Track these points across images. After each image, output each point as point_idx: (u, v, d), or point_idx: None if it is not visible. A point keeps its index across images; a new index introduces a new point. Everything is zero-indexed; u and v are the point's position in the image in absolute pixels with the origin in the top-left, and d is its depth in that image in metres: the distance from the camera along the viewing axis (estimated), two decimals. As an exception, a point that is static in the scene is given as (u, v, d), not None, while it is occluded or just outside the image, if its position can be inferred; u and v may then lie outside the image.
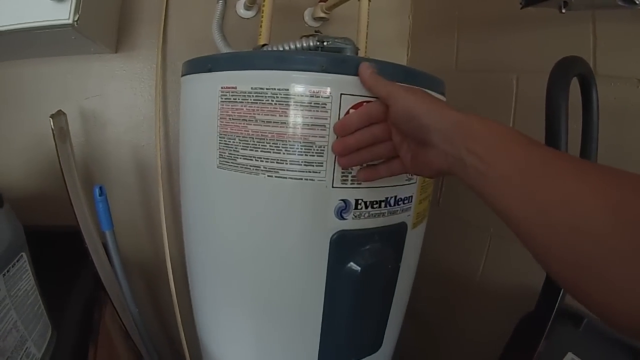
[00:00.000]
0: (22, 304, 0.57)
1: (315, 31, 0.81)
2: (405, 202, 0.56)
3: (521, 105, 0.78)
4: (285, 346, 0.62)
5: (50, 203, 0.84)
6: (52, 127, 0.77)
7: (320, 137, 0.50)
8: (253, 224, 0.55)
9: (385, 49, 1.08)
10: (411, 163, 0.43)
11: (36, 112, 0.87)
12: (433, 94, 0.57)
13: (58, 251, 0.79)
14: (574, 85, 0.59)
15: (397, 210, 0.55)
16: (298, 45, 0.60)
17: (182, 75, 0.64)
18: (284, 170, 0.51)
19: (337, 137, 0.49)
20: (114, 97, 0.89)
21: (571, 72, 0.57)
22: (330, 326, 0.58)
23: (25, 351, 0.56)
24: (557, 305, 0.66)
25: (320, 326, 0.59)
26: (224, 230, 0.58)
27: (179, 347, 0.82)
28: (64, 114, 0.80)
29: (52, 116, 0.77)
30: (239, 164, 0.53)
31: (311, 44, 0.59)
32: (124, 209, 0.89)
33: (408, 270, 0.66)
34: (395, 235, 0.57)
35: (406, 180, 0.55)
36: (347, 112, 0.48)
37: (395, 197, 0.54)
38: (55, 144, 0.77)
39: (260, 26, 0.78)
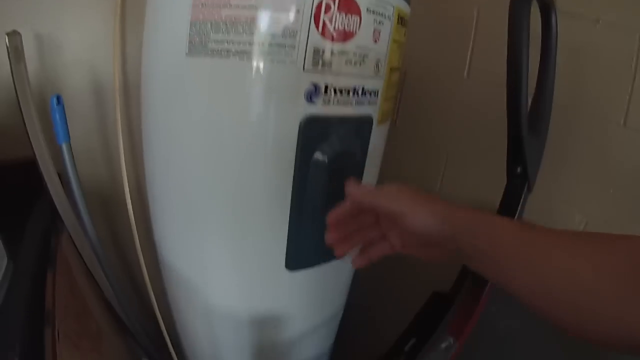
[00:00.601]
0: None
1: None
2: (372, 95, 0.58)
3: (480, 34, 0.83)
4: (251, 250, 0.63)
5: (3, 136, 0.79)
6: (7, 44, 0.73)
7: (294, 20, 0.51)
8: (222, 110, 0.55)
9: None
10: (402, 248, 0.43)
11: (-13, 36, 0.82)
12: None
13: (13, 185, 0.76)
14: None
15: (364, 102, 0.57)
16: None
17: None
18: (256, 52, 0.51)
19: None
20: (70, 18, 0.85)
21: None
22: (298, 224, 0.60)
23: (-21, 280, 0.53)
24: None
25: (287, 225, 0.60)
26: (191, 122, 0.57)
27: (138, 272, 0.80)
28: (19, 34, 0.77)
29: (7, 34, 0.73)
30: (209, 49, 0.53)
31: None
32: (80, 135, 0.85)
33: (372, 170, 0.68)
34: (362, 127, 0.59)
35: (374, 72, 0.57)
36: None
37: (363, 88, 0.56)
38: (10, 64, 0.74)
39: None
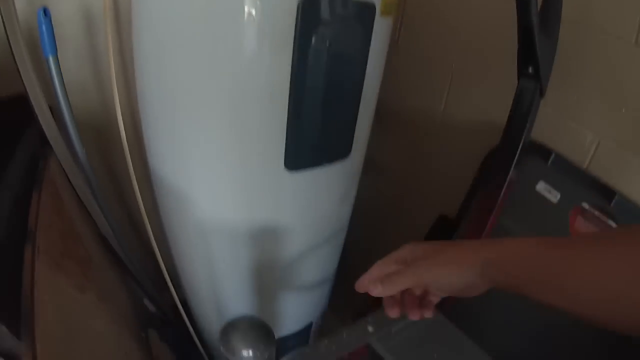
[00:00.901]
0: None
1: None
2: (374, -19, 0.55)
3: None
4: (247, 149, 0.60)
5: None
6: (-10, -28, 0.70)
7: None
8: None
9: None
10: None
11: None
12: None
13: (4, 121, 0.73)
14: None
15: (366, -14, 0.54)
16: None
17: None
18: None
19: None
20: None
21: None
22: (297, 118, 0.56)
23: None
24: (523, 138, 0.67)
25: (285, 119, 0.56)
26: (182, 18, 0.54)
27: (134, 202, 0.77)
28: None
29: (-11, -39, 0.70)
30: None
31: None
32: (72, 69, 0.82)
33: (375, 68, 0.64)
34: (364, 13, 0.55)
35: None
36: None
37: (364, -30, 0.53)
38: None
39: None
